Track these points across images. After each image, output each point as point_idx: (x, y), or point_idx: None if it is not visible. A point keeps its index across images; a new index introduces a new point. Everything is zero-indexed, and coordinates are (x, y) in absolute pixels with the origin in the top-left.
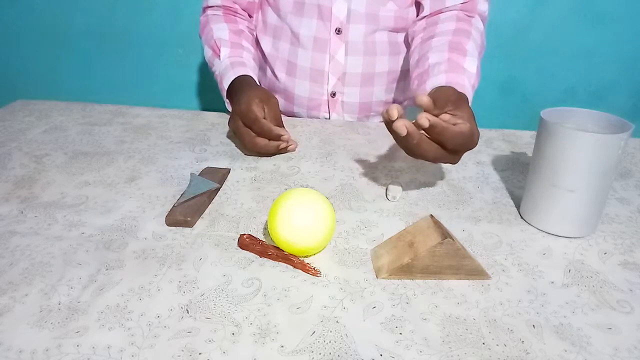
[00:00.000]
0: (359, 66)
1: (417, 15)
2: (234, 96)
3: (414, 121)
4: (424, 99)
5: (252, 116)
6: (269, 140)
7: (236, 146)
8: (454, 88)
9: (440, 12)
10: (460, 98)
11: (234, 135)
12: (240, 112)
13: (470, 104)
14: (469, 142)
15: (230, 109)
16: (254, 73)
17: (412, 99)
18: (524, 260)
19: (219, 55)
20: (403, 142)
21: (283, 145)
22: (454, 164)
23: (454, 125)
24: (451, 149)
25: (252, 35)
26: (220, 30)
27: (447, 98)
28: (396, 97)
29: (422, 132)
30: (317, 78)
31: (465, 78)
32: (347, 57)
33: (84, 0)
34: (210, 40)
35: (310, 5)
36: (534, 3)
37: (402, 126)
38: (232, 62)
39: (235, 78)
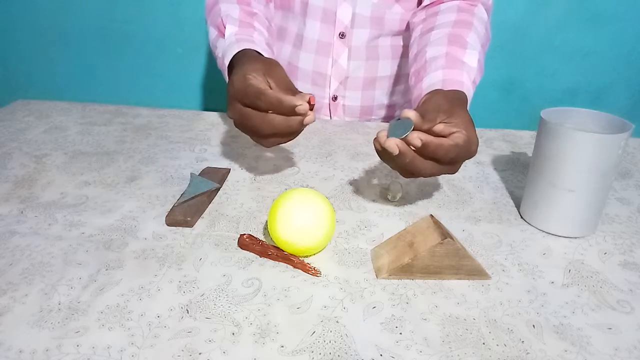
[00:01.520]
0: (362, 70)
1: (418, 6)
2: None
3: (403, 137)
4: (411, 114)
5: (253, 90)
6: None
7: (235, 147)
8: (446, 93)
9: (441, 1)
10: (455, 104)
11: (239, 126)
12: (235, 92)
13: (470, 100)
14: (466, 152)
15: None
16: (265, 53)
17: (409, 102)
18: (524, 260)
19: (224, 35)
20: (395, 162)
21: (306, 118)
22: (453, 174)
23: (449, 136)
24: (448, 162)
25: (268, 22)
26: (229, 9)
27: (438, 108)
28: (397, 101)
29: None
30: (319, 81)
31: (465, 73)
32: (349, 61)
33: (83, 0)
34: (216, 19)
35: (314, 7)
36: (534, 3)
37: (393, 145)
38: (238, 39)
39: (237, 54)
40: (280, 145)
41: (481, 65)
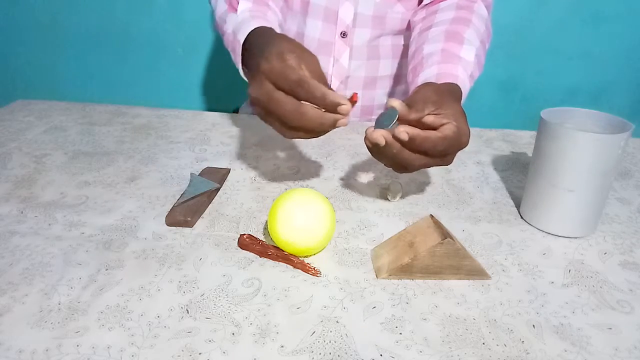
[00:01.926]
0: (362, 70)
1: (419, 5)
2: (254, 52)
3: (390, 127)
4: (395, 103)
5: (294, 75)
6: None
7: (235, 147)
8: (437, 86)
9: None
10: (444, 96)
11: (262, 107)
12: (271, 70)
13: (466, 93)
14: (457, 143)
15: (246, 76)
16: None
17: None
18: (524, 260)
19: (236, 9)
20: (385, 156)
21: (341, 120)
22: (448, 165)
23: (439, 127)
24: (437, 155)
25: (282, 3)
26: None
27: (426, 99)
28: None
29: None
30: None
31: (460, 67)
32: (350, 60)
33: (84, 0)
34: None
35: (316, 6)
36: (534, 3)
37: (379, 136)
38: (252, 16)
39: (255, 30)
40: (281, 145)
41: (480, 61)
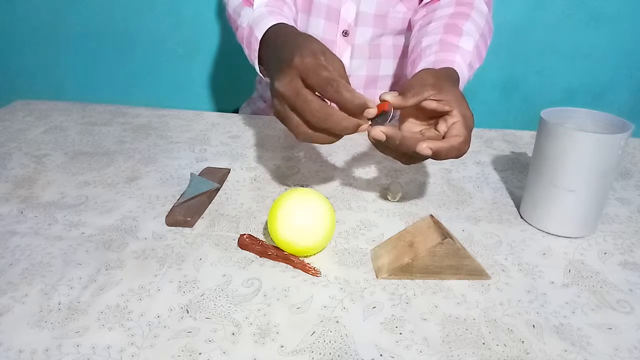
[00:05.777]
0: (364, 69)
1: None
2: (277, 49)
3: (388, 122)
4: (388, 96)
5: (326, 73)
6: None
7: (235, 147)
8: (433, 70)
9: None
10: (441, 79)
11: (287, 101)
12: (303, 65)
13: (465, 81)
14: (469, 132)
15: (263, 74)
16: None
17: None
18: (524, 260)
19: (251, 3)
20: (389, 149)
21: (363, 125)
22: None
23: (442, 115)
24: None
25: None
26: None
27: (423, 82)
28: None
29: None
30: None
31: (458, 55)
32: (352, 60)
33: (84, 0)
34: None
35: (318, 5)
36: (534, 3)
37: (378, 133)
38: (270, 11)
39: (276, 26)
40: (281, 145)
41: (480, 52)
